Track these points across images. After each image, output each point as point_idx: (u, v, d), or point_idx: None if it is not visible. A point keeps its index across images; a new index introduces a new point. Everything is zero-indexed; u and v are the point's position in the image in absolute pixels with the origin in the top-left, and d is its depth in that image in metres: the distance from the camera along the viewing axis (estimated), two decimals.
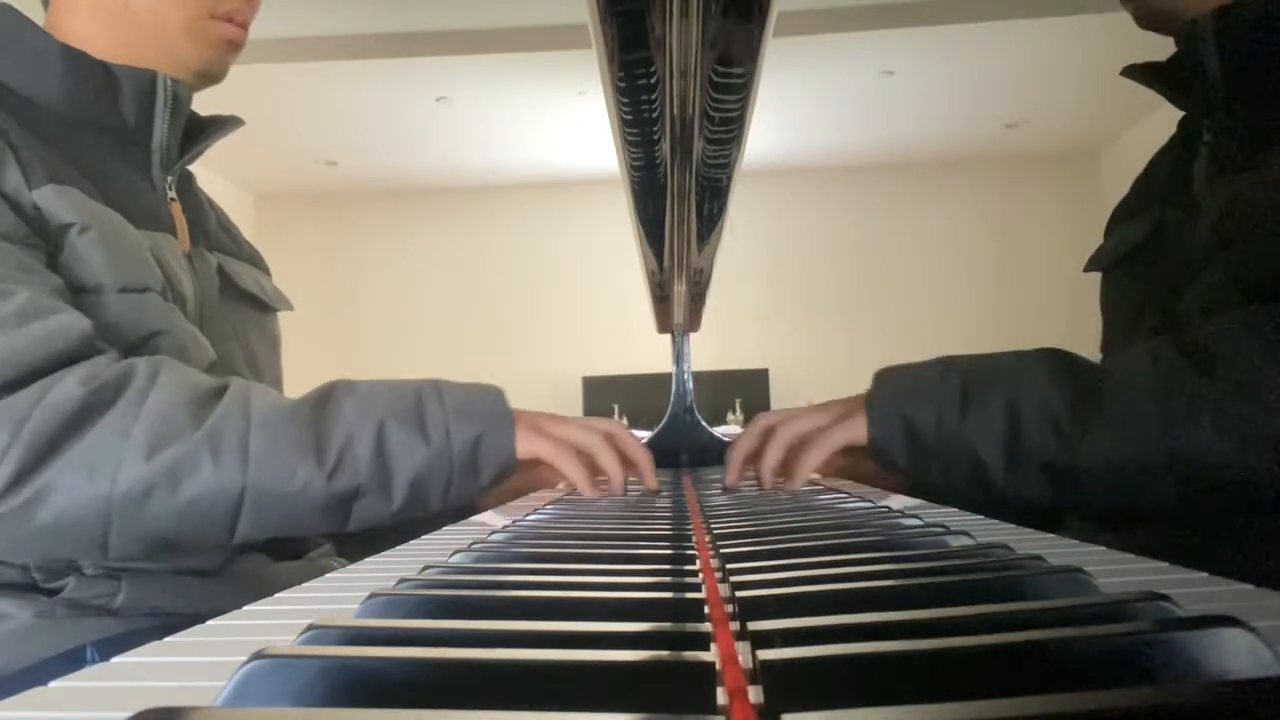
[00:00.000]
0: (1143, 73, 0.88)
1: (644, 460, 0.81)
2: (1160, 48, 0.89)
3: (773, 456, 0.79)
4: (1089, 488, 0.67)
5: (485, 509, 0.77)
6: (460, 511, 0.74)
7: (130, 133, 0.85)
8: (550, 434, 0.76)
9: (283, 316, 1.05)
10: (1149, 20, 0.86)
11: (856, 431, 0.75)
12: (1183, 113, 0.90)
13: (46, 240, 0.72)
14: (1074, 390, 0.68)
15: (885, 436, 0.73)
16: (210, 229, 0.94)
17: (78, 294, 0.73)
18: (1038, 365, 0.70)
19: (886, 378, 0.77)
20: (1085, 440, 0.66)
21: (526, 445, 0.74)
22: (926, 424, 0.71)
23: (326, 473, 0.68)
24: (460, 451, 0.71)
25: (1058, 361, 0.71)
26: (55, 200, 0.72)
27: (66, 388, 0.64)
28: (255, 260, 1.01)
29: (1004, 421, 0.68)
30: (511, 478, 0.75)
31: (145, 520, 0.65)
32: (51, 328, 0.66)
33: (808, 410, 0.81)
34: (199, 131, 0.92)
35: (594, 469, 0.77)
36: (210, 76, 0.90)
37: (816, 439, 0.76)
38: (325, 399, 0.71)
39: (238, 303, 0.94)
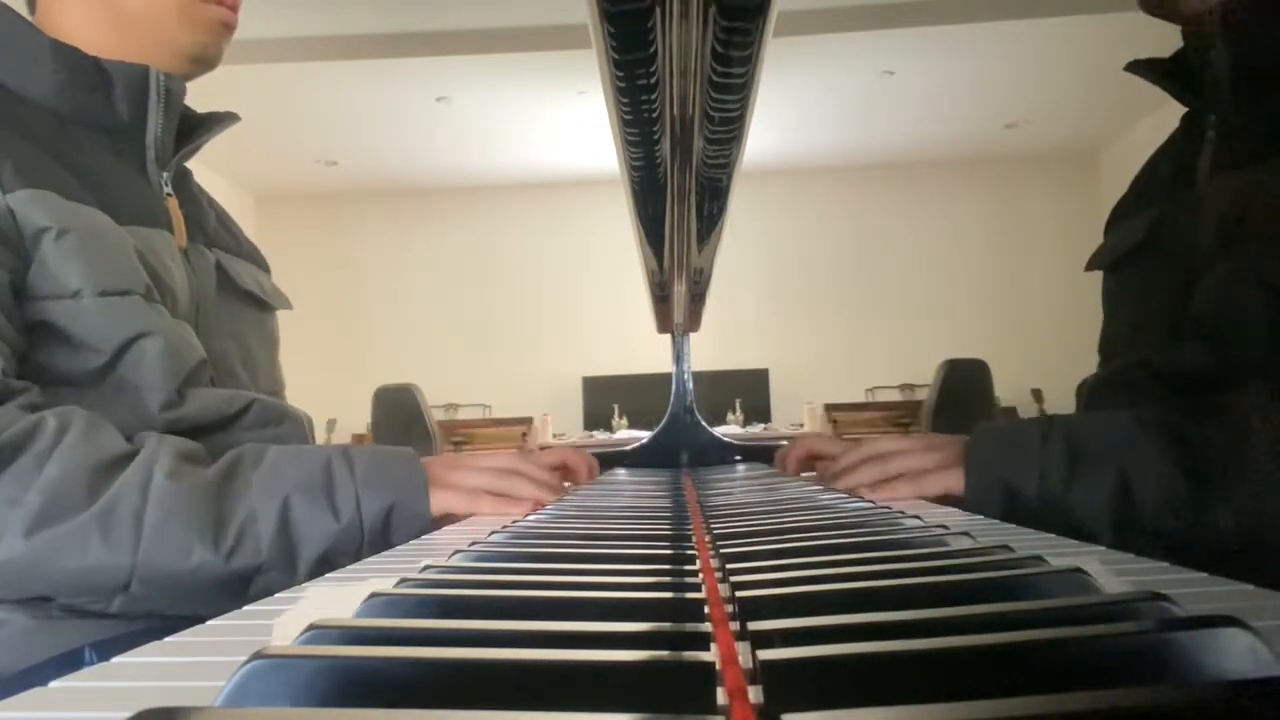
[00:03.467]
0: (1147, 68, 0.88)
1: (554, 485, 0.82)
2: (1161, 46, 0.89)
3: (863, 479, 0.79)
4: (1210, 560, 0.65)
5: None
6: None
7: (124, 128, 0.84)
8: (462, 486, 0.76)
9: (283, 315, 1.04)
10: (1155, 6, 0.86)
11: (954, 484, 0.75)
12: (1185, 110, 0.89)
13: (15, 248, 0.71)
14: (1186, 459, 0.65)
15: (983, 496, 0.72)
16: (209, 226, 0.94)
17: (55, 300, 0.72)
18: (1144, 431, 0.68)
19: (985, 436, 0.76)
20: (1205, 519, 0.64)
21: (440, 504, 0.74)
22: (1027, 488, 0.70)
23: (224, 554, 0.66)
24: (371, 523, 0.71)
25: (1164, 427, 0.68)
26: (30, 205, 0.71)
27: None
28: (255, 258, 1.01)
29: (1114, 496, 0.67)
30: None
31: (26, 586, 0.65)
32: None
33: (914, 447, 0.80)
34: (195, 128, 0.92)
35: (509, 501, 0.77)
36: (205, 62, 0.90)
37: (915, 479, 0.76)
38: (232, 472, 0.70)
39: (236, 301, 0.94)
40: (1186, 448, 0.66)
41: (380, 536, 0.71)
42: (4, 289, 0.70)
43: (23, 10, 0.87)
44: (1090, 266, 0.98)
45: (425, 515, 0.73)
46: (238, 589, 0.68)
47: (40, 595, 0.67)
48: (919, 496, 0.75)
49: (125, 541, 0.64)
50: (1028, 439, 0.72)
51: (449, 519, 0.75)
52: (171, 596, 0.67)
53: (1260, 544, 0.63)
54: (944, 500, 0.76)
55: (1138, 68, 0.88)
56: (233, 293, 0.93)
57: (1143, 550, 0.66)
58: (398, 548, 0.57)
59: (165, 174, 0.88)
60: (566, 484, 0.94)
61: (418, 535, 0.73)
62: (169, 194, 0.89)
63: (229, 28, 0.90)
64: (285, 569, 0.69)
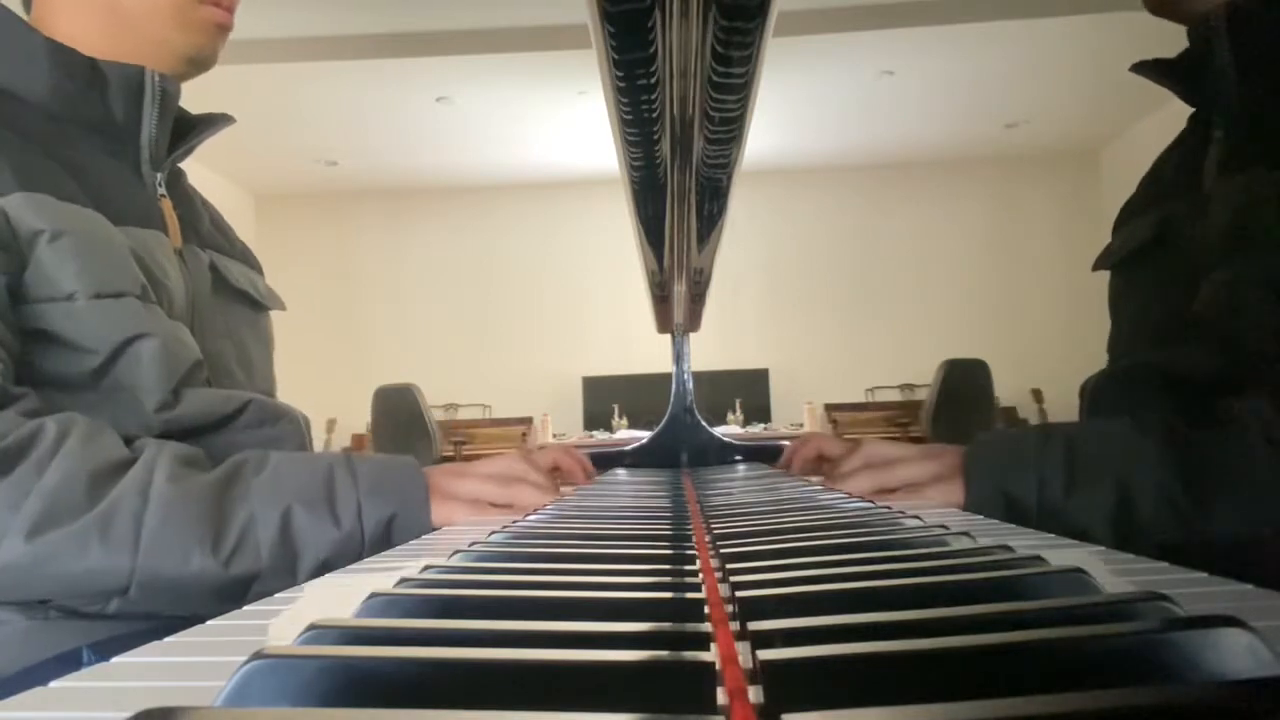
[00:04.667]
0: (1152, 69, 0.87)
1: (565, 463, 0.83)
2: (1160, 45, 0.89)
3: (859, 488, 0.79)
4: (1207, 562, 0.65)
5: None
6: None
7: (118, 129, 0.84)
8: (463, 497, 0.75)
9: (283, 316, 1.04)
10: (1160, 5, 0.86)
11: (952, 497, 0.74)
12: (1191, 110, 0.89)
13: (11, 251, 0.71)
14: (1187, 470, 0.65)
15: (982, 508, 0.72)
16: (203, 227, 0.94)
17: (49, 302, 0.72)
18: (1144, 439, 0.68)
19: (984, 444, 0.76)
20: (1206, 525, 0.64)
21: (443, 515, 0.74)
22: (1027, 497, 0.70)
23: (223, 559, 0.66)
24: (373, 532, 0.71)
25: (1163, 435, 0.68)
26: (24, 208, 0.71)
27: None
28: (248, 259, 1.01)
29: (1114, 502, 0.67)
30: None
31: (27, 589, 0.65)
32: None
33: (913, 455, 0.79)
34: (190, 130, 0.92)
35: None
36: (200, 63, 0.90)
37: (911, 496, 0.76)
38: (232, 479, 0.70)
39: (230, 300, 0.94)
40: (1186, 456, 0.66)
41: (381, 546, 0.71)
42: (1, 294, 0.70)
43: (18, 10, 0.87)
44: (1097, 266, 0.98)
45: (426, 526, 0.73)
46: (236, 595, 0.68)
47: (41, 599, 0.67)
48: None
49: (125, 544, 0.64)
50: (1027, 449, 0.72)
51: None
52: (170, 601, 0.67)
53: (1261, 554, 0.62)
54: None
55: (1143, 68, 0.88)
56: (227, 293, 0.93)
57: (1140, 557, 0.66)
58: (397, 547, 0.57)
59: (160, 175, 0.88)
60: (564, 487, 0.94)
61: None
62: (163, 195, 0.88)
63: (224, 29, 0.90)
64: (284, 576, 0.68)
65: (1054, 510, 0.69)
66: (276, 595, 0.40)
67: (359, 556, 0.70)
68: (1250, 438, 0.64)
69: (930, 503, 0.75)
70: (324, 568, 0.69)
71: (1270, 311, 0.71)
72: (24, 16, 0.87)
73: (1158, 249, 0.87)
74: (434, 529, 0.73)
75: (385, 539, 0.71)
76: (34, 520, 0.62)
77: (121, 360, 0.74)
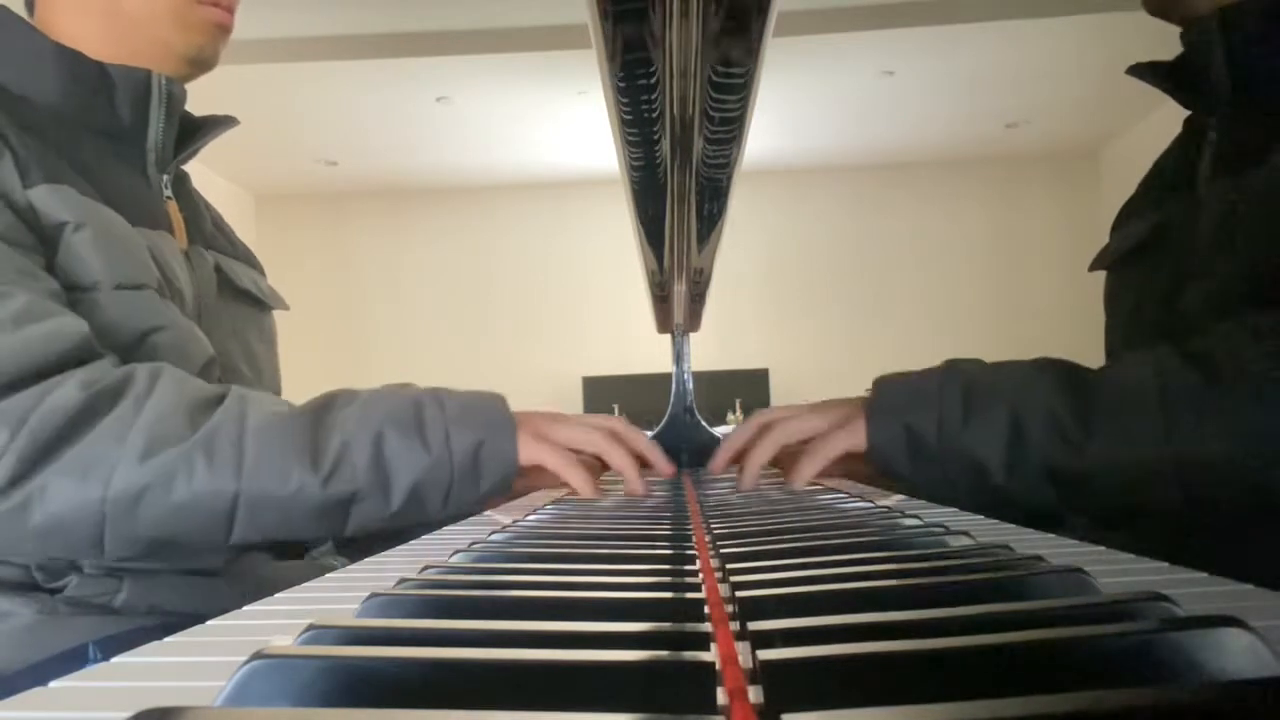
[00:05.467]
0: (1148, 71, 0.88)
1: (652, 451, 0.81)
2: (1161, 47, 0.89)
3: (763, 454, 0.79)
4: (1094, 492, 0.68)
5: (489, 508, 0.77)
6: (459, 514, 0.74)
7: (125, 132, 0.85)
8: (553, 439, 0.75)
9: (283, 316, 1.05)
10: (1157, 6, 0.86)
11: (856, 438, 0.75)
12: (1188, 112, 0.90)
13: (41, 239, 0.72)
14: (1078, 397, 0.68)
15: (886, 444, 0.73)
16: (206, 229, 0.95)
17: (73, 292, 0.73)
18: (1040, 373, 0.70)
19: (886, 384, 0.77)
20: (1090, 446, 0.66)
21: (529, 452, 0.73)
22: (928, 431, 0.71)
23: (322, 477, 0.68)
24: (461, 458, 0.71)
25: (1060, 369, 0.71)
26: (50, 198, 0.72)
27: (67, 391, 0.65)
28: (250, 260, 1.02)
29: (1007, 428, 0.69)
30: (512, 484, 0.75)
31: (139, 523, 0.66)
32: (50, 330, 0.67)
33: (806, 411, 0.80)
34: (194, 132, 0.93)
35: (600, 469, 0.77)
36: (202, 64, 0.90)
37: (816, 446, 0.76)
38: (324, 408, 0.72)
39: (235, 301, 0.94)
40: (1077, 385, 0.69)
41: (469, 474, 0.72)
42: (45, 275, 0.72)
43: (20, 12, 0.87)
44: (1094, 266, 0.99)
45: (513, 458, 0.73)
46: (337, 519, 0.70)
47: (145, 540, 0.67)
48: (825, 465, 0.75)
49: (228, 466, 0.66)
50: (927, 383, 0.73)
51: (538, 469, 0.75)
52: (274, 525, 0.69)
53: (1260, 552, 0.63)
54: (848, 464, 0.77)
55: (1139, 71, 0.88)
56: (232, 293, 0.94)
57: (1032, 490, 0.68)
58: (397, 548, 0.57)
59: (165, 177, 0.89)
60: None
61: (506, 481, 0.74)
62: (169, 197, 0.89)
63: (225, 30, 0.90)
64: (379, 499, 0.70)
65: (952, 441, 0.70)
66: (277, 595, 0.40)
67: (449, 484, 0.72)
68: (1141, 372, 0.67)
69: (832, 455, 0.75)
70: (415, 492, 0.71)
71: (1254, 311, 0.72)
72: (27, 16, 0.88)
73: (1151, 249, 0.88)
74: (522, 465, 0.73)
75: (474, 467, 0.72)
76: (143, 447, 0.65)
77: (140, 351, 0.75)
